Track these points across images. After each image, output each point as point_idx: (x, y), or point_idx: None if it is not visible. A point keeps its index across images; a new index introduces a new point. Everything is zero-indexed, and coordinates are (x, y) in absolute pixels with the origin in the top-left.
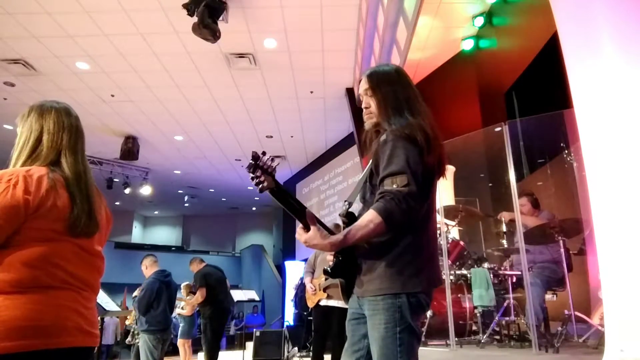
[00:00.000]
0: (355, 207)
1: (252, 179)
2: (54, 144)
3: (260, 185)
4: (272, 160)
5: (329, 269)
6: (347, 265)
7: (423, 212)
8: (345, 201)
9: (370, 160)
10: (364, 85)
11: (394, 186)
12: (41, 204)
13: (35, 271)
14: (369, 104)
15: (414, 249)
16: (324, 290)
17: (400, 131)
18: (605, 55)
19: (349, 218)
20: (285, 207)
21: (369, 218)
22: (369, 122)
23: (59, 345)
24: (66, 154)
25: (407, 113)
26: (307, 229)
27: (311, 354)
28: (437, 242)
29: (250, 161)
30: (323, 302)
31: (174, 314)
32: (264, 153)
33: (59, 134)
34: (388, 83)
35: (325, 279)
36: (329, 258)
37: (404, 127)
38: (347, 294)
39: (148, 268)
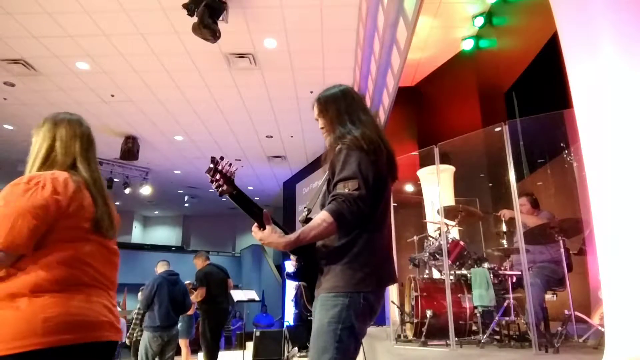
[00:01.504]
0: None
1: (212, 181)
2: (68, 150)
3: (220, 189)
4: (230, 165)
5: (291, 272)
6: (309, 270)
7: (378, 214)
8: (304, 207)
9: (327, 170)
10: (315, 110)
11: (346, 190)
12: (71, 203)
13: (72, 270)
14: (323, 124)
15: (369, 250)
16: None
17: (352, 142)
18: (605, 55)
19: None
20: (245, 210)
21: (322, 218)
22: (326, 140)
23: (96, 339)
24: (80, 160)
25: (349, 123)
26: (262, 227)
27: None
28: (392, 243)
29: (210, 165)
30: None
31: None
32: (222, 158)
33: (72, 141)
34: (333, 102)
35: None
36: None
37: (353, 139)
38: (309, 298)
39: (158, 270)
